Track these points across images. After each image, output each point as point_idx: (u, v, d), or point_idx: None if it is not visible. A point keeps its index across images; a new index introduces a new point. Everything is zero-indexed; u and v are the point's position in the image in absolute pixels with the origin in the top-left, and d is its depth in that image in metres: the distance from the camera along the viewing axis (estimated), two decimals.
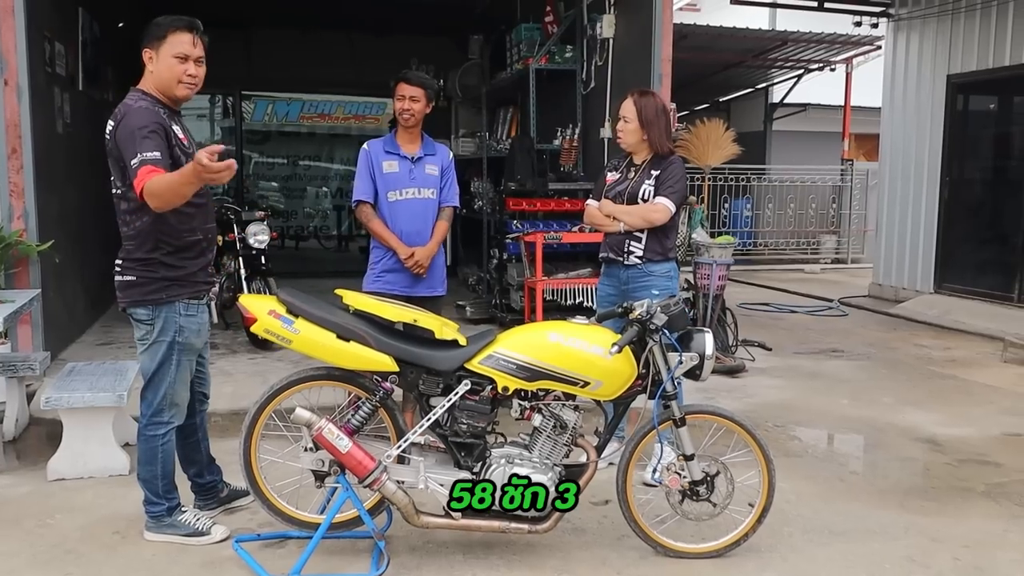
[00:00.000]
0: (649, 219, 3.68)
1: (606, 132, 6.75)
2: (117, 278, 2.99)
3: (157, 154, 2.76)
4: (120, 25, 8.63)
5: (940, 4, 8.70)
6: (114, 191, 2.97)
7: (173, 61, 2.91)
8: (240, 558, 2.93)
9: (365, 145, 3.92)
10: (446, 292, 4.04)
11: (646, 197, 3.70)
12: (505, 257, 7.29)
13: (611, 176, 3.88)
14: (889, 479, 3.96)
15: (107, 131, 2.91)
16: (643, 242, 3.72)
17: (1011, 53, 7.91)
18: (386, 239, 3.82)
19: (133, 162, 2.76)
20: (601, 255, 3.91)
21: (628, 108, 3.74)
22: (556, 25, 7.58)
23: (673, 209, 3.70)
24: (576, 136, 7.38)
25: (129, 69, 8.59)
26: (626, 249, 3.74)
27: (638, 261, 3.72)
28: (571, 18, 7.45)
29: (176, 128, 2.97)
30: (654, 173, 3.73)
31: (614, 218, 3.75)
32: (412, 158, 3.86)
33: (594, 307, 6.34)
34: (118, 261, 2.99)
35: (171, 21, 2.93)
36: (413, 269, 3.79)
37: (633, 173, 3.79)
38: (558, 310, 6.45)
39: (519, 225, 7.04)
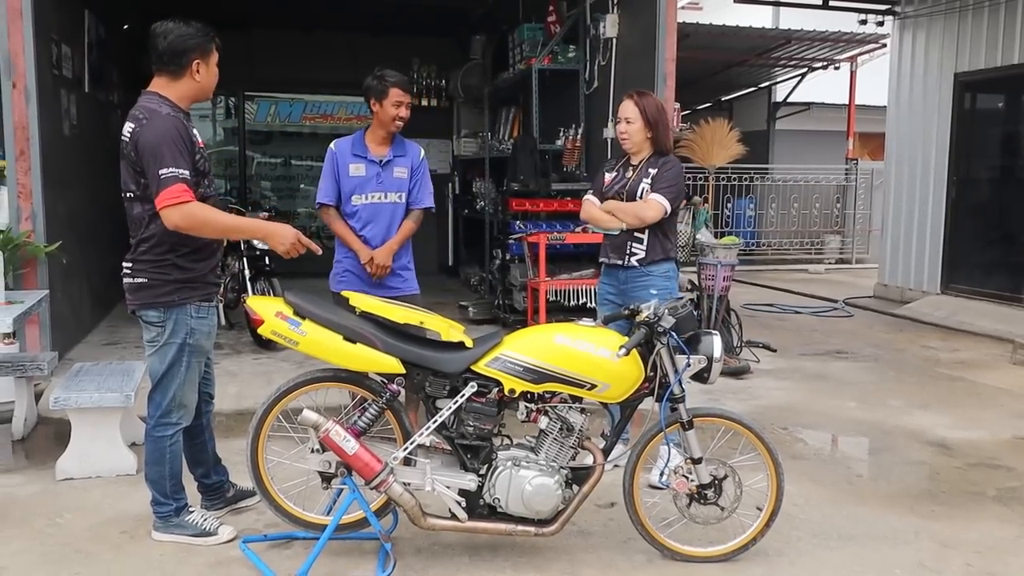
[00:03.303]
0: (642, 216, 3.64)
1: (609, 132, 6.73)
2: (127, 280, 2.98)
3: (186, 172, 2.82)
4: (125, 27, 8.64)
5: (947, 2, 8.67)
6: (125, 194, 2.97)
7: (216, 70, 3.02)
8: (247, 559, 2.94)
9: (332, 145, 3.85)
10: (418, 291, 3.95)
11: (643, 196, 3.69)
12: (508, 258, 7.28)
13: (608, 176, 3.87)
14: (898, 483, 3.94)
15: (125, 133, 2.89)
16: (645, 243, 3.71)
17: (1020, 51, 7.88)
18: (348, 241, 3.79)
19: (163, 172, 2.78)
20: (601, 259, 3.89)
21: (630, 109, 3.72)
22: (559, 25, 7.57)
23: (668, 206, 3.65)
24: (579, 136, 7.37)
25: (134, 71, 8.62)
26: (628, 251, 3.73)
27: (637, 264, 3.72)
28: (574, 18, 7.44)
29: (195, 132, 2.98)
30: (651, 172, 3.72)
31: (612, 214, 3.72)
32: (380, 161, 3.80)
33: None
34: (127, 263, 2.98)
35: (209, 32, 2.98)
36: (375, 272, 3.76)
37: (631, 172, 3.78)
38: (561, 311, 6.44)
39: (522, 226, 7.03)
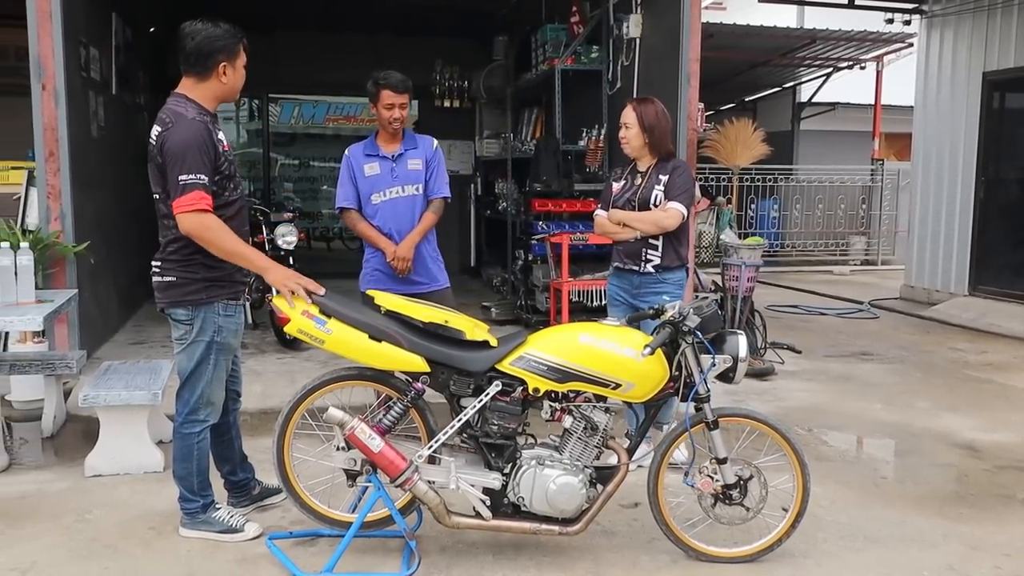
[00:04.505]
0: (662, 225, 3.70)
1: None
2: (156, 279, 3.02)
3: (205, 178, 2.85)
4: (151, 30, 8.76)
5: (975, 0, 8.54)
6: (155, 195, 3.01)
7: (243, 72, 3.04)
8: (273, 555, 2.96)
9: (347, 151, 3.91)
10: (448, 284, 3.97)
11: (657, 202, 3.72)
12: (530, 258, 7.29)
13: (616, 185, 3.89)
14: (926, 485, 3.89)
15: (152, 136, 2.94)
16: (660, 249, 3.75)
17: None
18: (374, 240, 3.81)
19: (183, 178, 2.82)
20: (615, 264, 3.90)
21: (628, 115, 3.79)
22: (582, 25, 7.56)
23: (685, 213, 3.73)
24: (602, 137, 7.34)
25: (160, 73, 8.72)
26: (644, 257, 3.75)
27: (653, 271, 3.75)
28: (597, 18, 7.42)
29: (220, 135, 3.01)
30: (662, 178, 3.75)
31: (625, 226, 3.74)
32: (392, 156, 3.83)
33: None
34: (156, 262, 3.03)
35: (237, 33, 3.00)
36: (398, 266, 3.77)
37: (640, 179, 3.81)
38: (584, 311, 6.43)
39: (544, 226, 7.03)
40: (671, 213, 3.68)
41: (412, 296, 3.48)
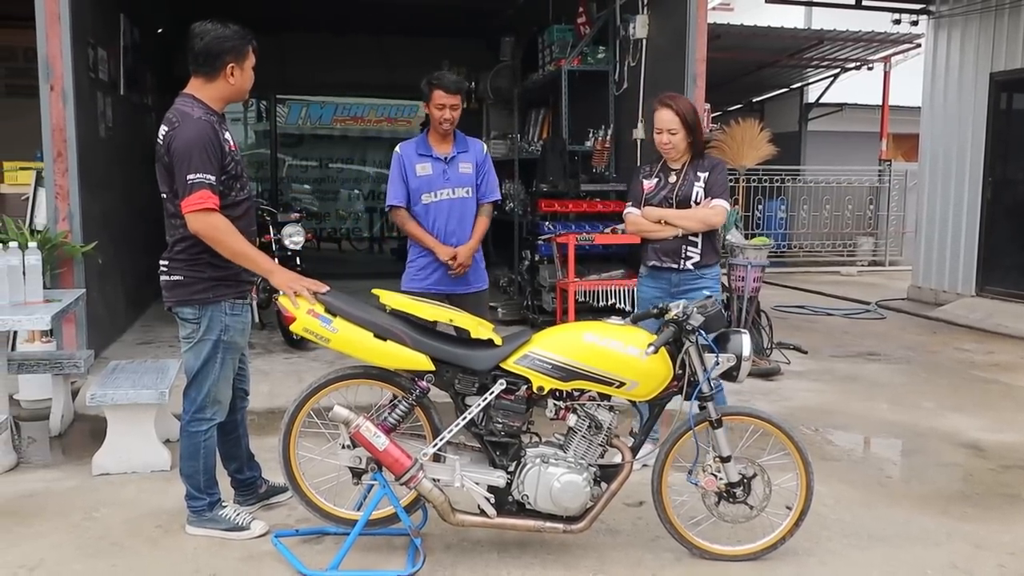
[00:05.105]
0: (710, 222, 3.69)
1: (639, 133, 6.72)
2: (163, 278, 3.05)
3: (212, 178, 2.87)
4: (159, 31, 8.81)
5: (983, 1, 8.51)
6: (162, 194, 3.03)
7: (251, 73, 3.06)
8: (279, 553, 2.97)
9: (397, 148, 3.95)
10: (487, 285, 4.06)
11: (698, 200, 3.70)
12: (537, 259, 7.30)
13: (648, 183, 3.83)
14: (930, 484, 3.89)
15: (160, 136, 2.96)
16: (699, 247, 3.74)
17: None
18: (424, 240, 3.86)
19: (191, 177, 2.84)
20: (651, 263, 3.83)
21: (669, 119, 3.67)
22: (589, 26, 7.57)
23: (729, 210, 3.75)
24: (608, 137, 7.35)
25: (168, 73, 8.77)
26: (684, 255, 3.73)
27: (693, 267, 3.74)
28: (604, 19, 7.43)
29: (227, 135, 3.03)
30: (701, 175, 3.72)
31: (667, 223, 3.72)
32: (445, 158, 3.88)
33: (626, 308, 6.33)
34: (164, 261, 3.05)
35: (246, 35, 3.02)
36: (456, 269, 3.81)
37: (675, 177, 3.76)
38: (590, 312, 6.43)
39: (551, 227, 7.04)
40: (717, 211, 3.68)
41: (456, 296, 3.56)
